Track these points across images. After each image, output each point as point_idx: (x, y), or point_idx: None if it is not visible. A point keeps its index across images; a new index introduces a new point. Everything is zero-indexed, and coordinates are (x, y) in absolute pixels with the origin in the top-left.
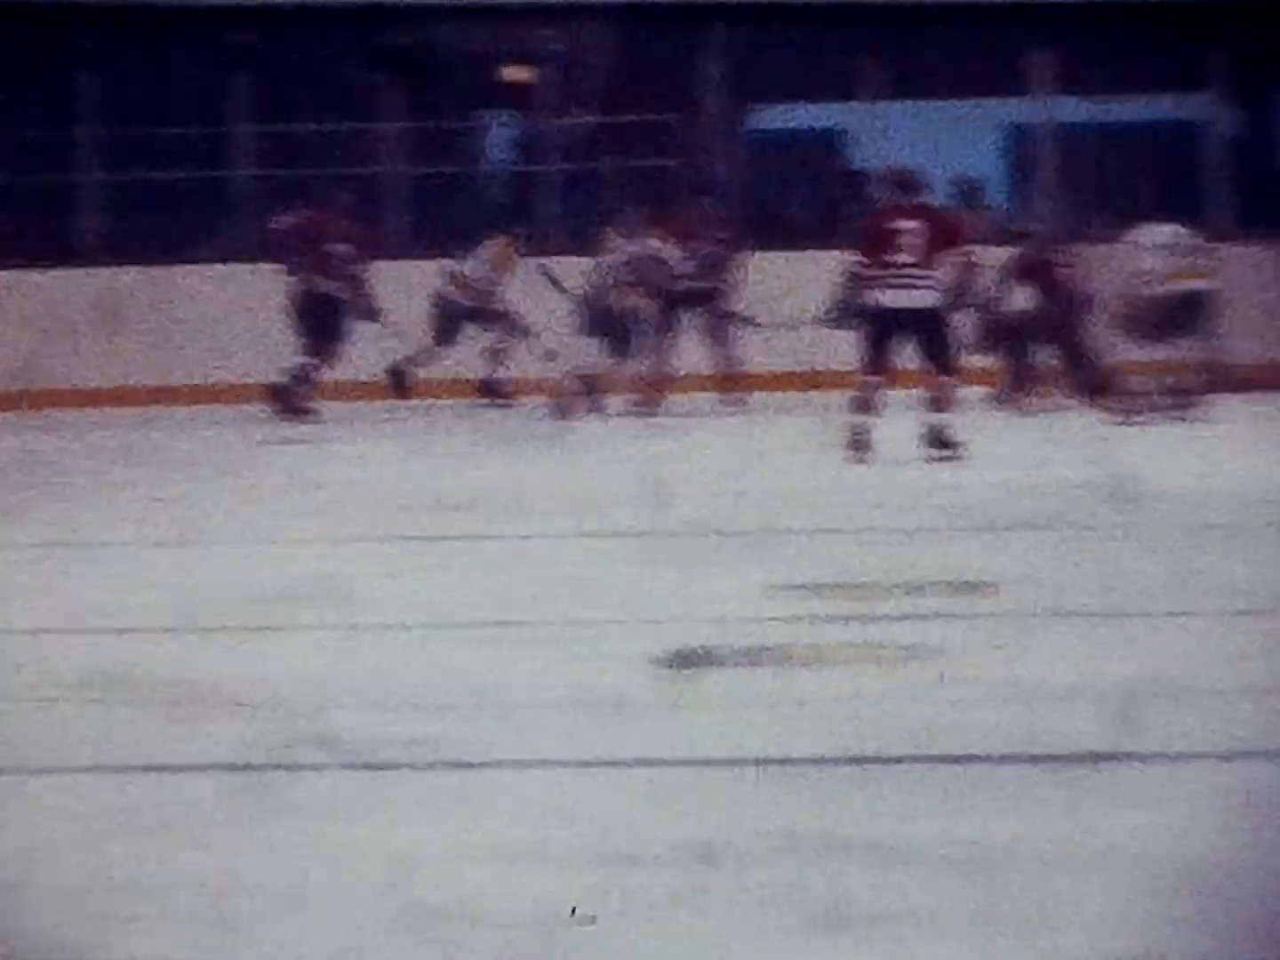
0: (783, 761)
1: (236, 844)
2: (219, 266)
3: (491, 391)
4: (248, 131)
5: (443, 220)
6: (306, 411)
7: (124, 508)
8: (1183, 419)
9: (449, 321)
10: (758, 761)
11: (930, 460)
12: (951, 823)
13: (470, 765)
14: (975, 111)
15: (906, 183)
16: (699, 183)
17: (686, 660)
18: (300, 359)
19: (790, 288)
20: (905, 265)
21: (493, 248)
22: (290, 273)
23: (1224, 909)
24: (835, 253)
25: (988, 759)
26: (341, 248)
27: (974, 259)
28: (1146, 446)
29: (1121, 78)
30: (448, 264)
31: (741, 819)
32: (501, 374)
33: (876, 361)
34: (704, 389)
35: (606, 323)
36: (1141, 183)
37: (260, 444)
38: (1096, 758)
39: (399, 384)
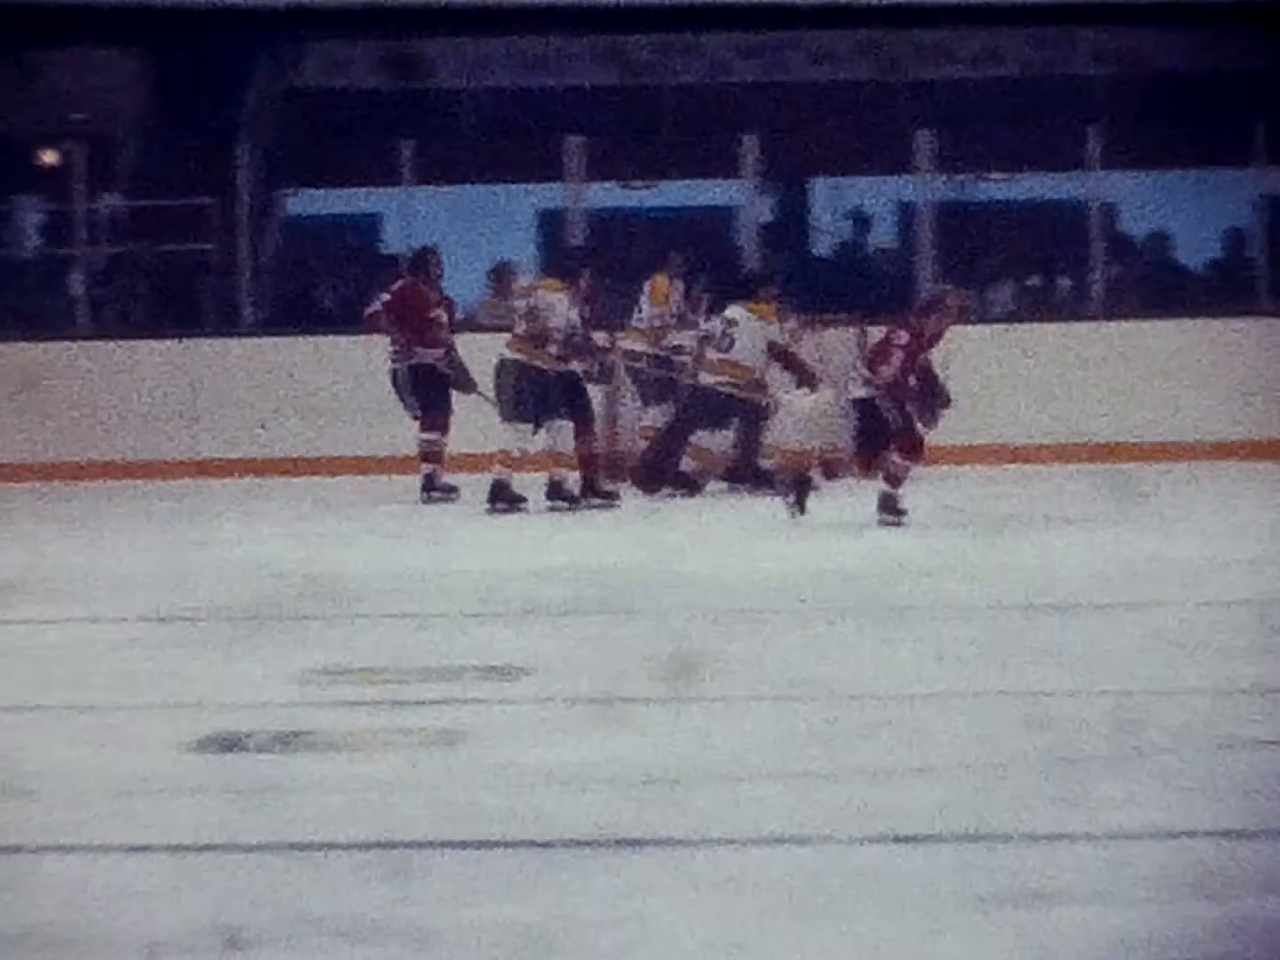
0: (314, 846)
1: None
2: None
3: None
4: None
5: None
6: (450, 489)
7: None
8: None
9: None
10: (289, 846)
11: (492, 545)
12: (481, 907)
13: None
14: (513, 196)
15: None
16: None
17: (222, 745)
18: (425, 436)
19: (319, 371)
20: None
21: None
22: (395, 346)
23: None
24: (366, 337)
25: (516, 844)
26: (437, 316)
27: None
28: (684, 530)
29: (656, 162)
30: None
31: (272, 904)
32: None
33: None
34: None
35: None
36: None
37: None
38: (630, 842)
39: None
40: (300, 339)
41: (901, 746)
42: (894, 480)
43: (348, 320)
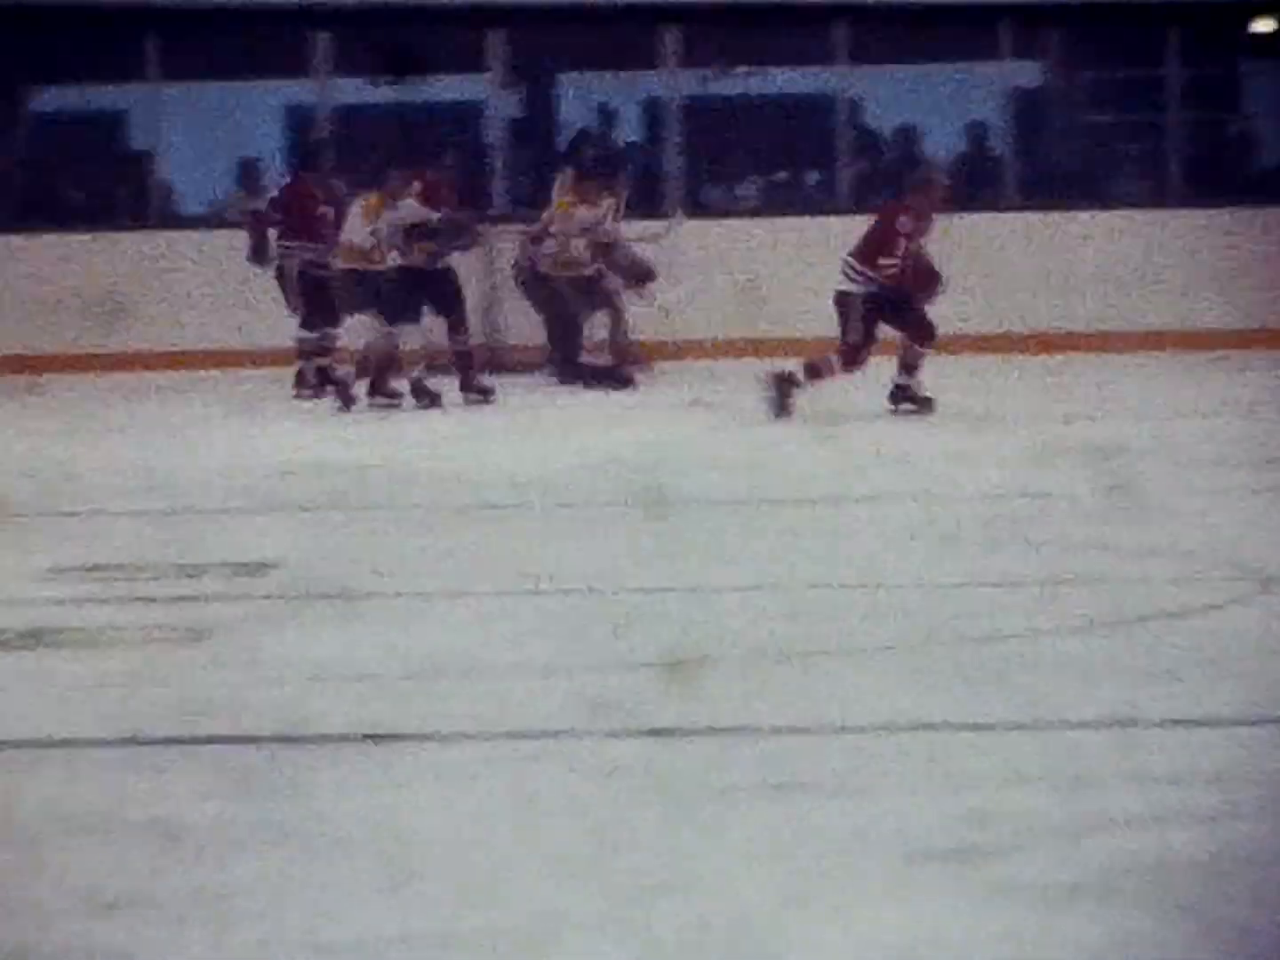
0: (62, 743)
1: None
2: None
3: None
4: None
5: None
6: (341, 383)
7: None
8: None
9: None
10: (37, 743)
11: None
12: (229, 801)
13: None
14: (259, 92)
15: None
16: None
17: None
18: (312, 333)
19: (64, 269)
20: None
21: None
22: (282, 244)
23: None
24: (115, 234)
25: (261, 739)
26: (325, 213)
27: None
28: (433, 428)
29: (403, 58)
30: None
31: (25, 802)
32: None
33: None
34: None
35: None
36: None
37: None
38: (377, 736)
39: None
40: (44, 236)
41: (652, 640)
42: (910, 369)
43: (92, 218)
